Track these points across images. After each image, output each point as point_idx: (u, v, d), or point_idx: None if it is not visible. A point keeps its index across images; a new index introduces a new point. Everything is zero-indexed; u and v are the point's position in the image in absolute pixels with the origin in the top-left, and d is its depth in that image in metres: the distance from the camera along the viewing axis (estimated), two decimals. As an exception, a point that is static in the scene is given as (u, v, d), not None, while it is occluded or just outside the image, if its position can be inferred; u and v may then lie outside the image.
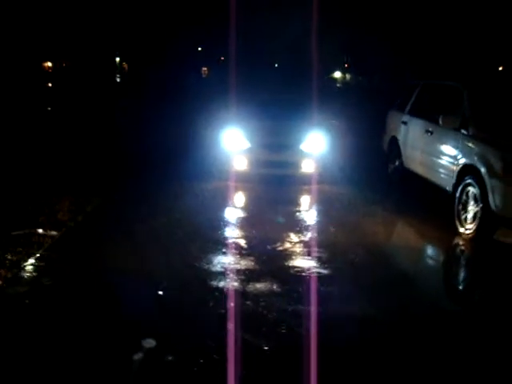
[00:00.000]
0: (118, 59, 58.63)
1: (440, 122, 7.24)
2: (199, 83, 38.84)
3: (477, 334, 4.17)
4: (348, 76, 60.02)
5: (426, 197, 8.18)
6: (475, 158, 6.48)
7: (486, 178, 6.15)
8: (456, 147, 7.00)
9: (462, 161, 6.77)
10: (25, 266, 5.02)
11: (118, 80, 49.62)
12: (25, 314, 4.11)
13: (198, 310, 4.29)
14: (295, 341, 3.81)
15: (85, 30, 36.62)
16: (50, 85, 35.23)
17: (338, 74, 59.71)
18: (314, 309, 4.31)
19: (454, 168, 6.95)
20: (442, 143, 7.48)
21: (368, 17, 33.98)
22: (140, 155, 10.64)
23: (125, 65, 61.51)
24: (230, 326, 3.97)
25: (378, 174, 10.01)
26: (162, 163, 9.92)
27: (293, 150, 9.02)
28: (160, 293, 4.55)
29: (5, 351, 3.57)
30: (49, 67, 45.93)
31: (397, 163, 9.29)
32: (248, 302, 4.39)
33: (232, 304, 4.34)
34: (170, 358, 3.53)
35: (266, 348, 3.70)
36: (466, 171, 6.63)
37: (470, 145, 6.69)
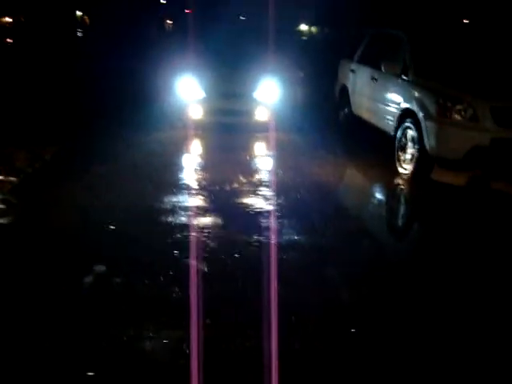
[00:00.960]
0: (79, 13, 57.10)
1: (382, 69, 7.62)
2: (162, 36, 38.26)
3: (407, 259, 4.65)
4: (314, 29, 59.67)
5: (372, 141, 8.56)
6: (413, 103, 6.88)
7: (422, 120, 6.58)
8: (397, 93, 7.41)
9: (402, 105, 7.17)
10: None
11: (80, 34, 48.55)
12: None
13: (146, 240, 4.65)
14: (235, 265, 4.22)
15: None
16: (9, 40, 34.34)
17: (304, 27, 59.36)
18: (254, 238, 4.72)
19: (396, 112, 7.35)
20: (385, 89, 7.86)
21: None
22: (98, 106, 10.76)
23: (86, 19, 59.99)
24: (176, 253, 4.35)
25: (329, 121, 10.39)
26: (119, 114, 10.09)
27: (247, 99, 9.28)
28: (112, 227, 4.88)
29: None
30: (8, 23, 44.66)
31: (346, 110, 9.67)
32: (193, 234, 4.77)
33: (178, 235, 4.72)
34: (117, 280, 3.90)
35: (206, 270, 4.09)
36: (406, 115, 7.05)
37: (409, 90, 7.10)
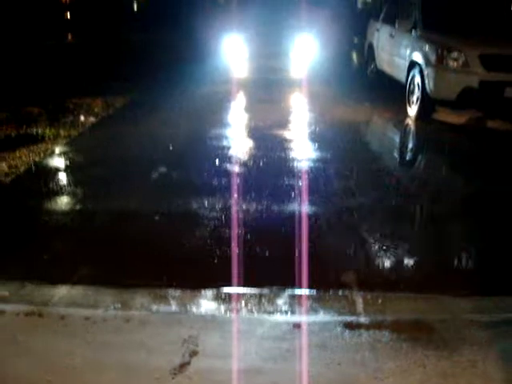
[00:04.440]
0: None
1: (396, 26, 8.91)
2: (215, 6, 39.55)
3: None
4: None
5: (391, 91, 9.85)
6: (419, 54, 8.17)
7: (424, 67, 7.89)
8: (407, 46, 8.70)
9: (410, 56, 8.46)
10: (74, 137, 7.02)
11: (135, 8, 50.52)
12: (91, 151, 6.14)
13: (195, 156, 6.26)
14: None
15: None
16: (67, 16, 36.44)
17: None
18: (279, 154, 6.27)
19: (406, 63, 8.65)
20: (399, 44, 9.15)
21: None
22: (157, 64, 12.45)
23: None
24: (217, 162, 5.96)
25: (359, 76, 11.75)
26: (176, 70, 11.73)
27: (285, 57, 10.73)
28: (171, 147, 6.52)
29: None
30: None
31: (372, 66, 10.98)
32: (232, 153, 6.38)
33: (219, 152, 6.33)
34: (174, 175, 5.55)
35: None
36: (413, 65, 8.34)
37: (416, 43, 8.38)
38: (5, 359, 2.75)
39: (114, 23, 26.66)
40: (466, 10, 8.67)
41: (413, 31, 8.62)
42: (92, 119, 7.96)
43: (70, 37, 23.39)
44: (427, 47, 7.99)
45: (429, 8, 8.74)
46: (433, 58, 7.78)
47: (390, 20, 9.99)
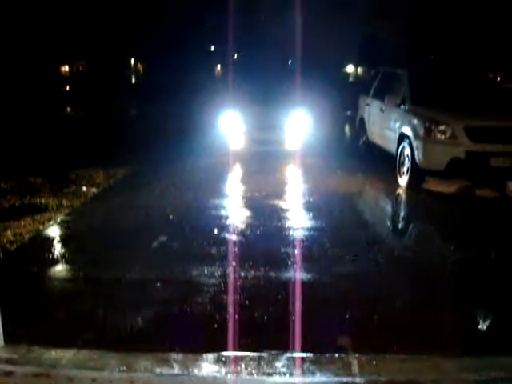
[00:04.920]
0: (132, 61, 61.00)
1: (385, 101, 9.37)
2: (212, 79, 40.84)
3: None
4: (360, 70, 61.78)
5: (382, 162, 10.21)
6: (408, 127, 8.57)
7: (413, 139, 8.27)
8: (397, 120, 9.13)
9: (400, 129, 8.86)
10: (76, 207, 7.25)
11: (134, 81, 52.20)
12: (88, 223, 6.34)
13: (195, 225, 6.47)
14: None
15: (101, 34, 38.89)
16: (67, 88, 37.64)
17: (350, 69, 61.72)
18: (275, 224, 6.50)
19: (396, 136, 9.04)
20: (389, 118, 9.59)
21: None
22: (155, 138, 12.85)
23: (139, 66, 63.79)
24: (216, 231, 6.17)
25: (351, 148, 12.19)
26: (174, 144, 12.12)
27: (280, 130, 11.13)
28: (170, 217, 6.74)
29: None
30: (66, 72, 48.69)
31: (364, 138, 11.41)
32: (230, 221, 6.60)
33: (217, 221, 6.55)
34: (174, 244, 5.74)
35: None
36: (403, 137, 8.73)
37: (406, 117, 8.81)
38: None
39: (113, 95, 27.54)
40: (451, 85, 9.18)
41: (401, 106, 9.07)
42: (94, 190, 8.21)
43: (69, 109, 24.11)
44: (416, 121, 8.39)
45: (416, 84, 9.24)
46: (421, 131, 8.17)
47: (379, 95, 10.48)
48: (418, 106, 8.76)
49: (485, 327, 4.18)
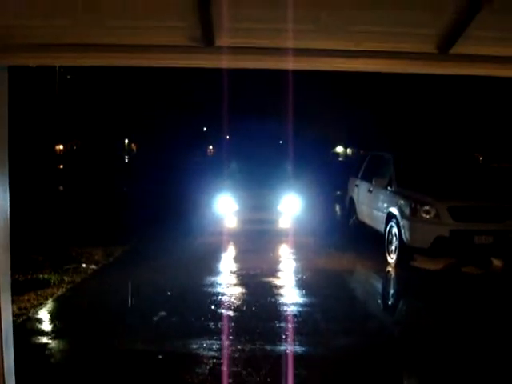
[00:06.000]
0: (126, 141, 62.43)
1: (373, 183, 9.88)
2: (204, 161, 41.72)
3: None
4: (349, 150, 63.56)
5: (371, 240, 10.59)
6: (395, 207, 9.02)
7: (400, 219, 8.70)
8: (384, 201, 9.59)
9: (388, 209, 9.31)
10: (77, 283, 7.51)
11: (126, 160, 53.19)
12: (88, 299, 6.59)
13: (192, 301, 6.74)
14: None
15: (95, 116, 40.08)
16: (61, 166, 38.33)
17: (340, 149, 63.59)
18: (270, 300, 6.78)
19: (384, 215, 9.47)
20: (376, 199, 10.07)
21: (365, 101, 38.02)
22: (151, 218, 13.18)
23: (133, 146, 65.20)
24: (213, 307, 6.44)
25: (341, 227, 12.60)
26: (169, 223, 12.46)
27: (272, 210, 11.55)
28: (169, 293, 7.01)
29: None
30: (60, 150, 49.71)
31: (354, 218, 11.85)
32: (225, 298, 6.87)
33: (214, 298, 6.82)
34: (174, 319, 5.99)
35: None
36: (391, 217, 9.16)
37: (392, 198, 9.28)
38: None
39: (106, 173, 28.11)
40: (435, 168, 9.73)
41: (388, 187, 9.56)
42: (93, 266, 8.49)
43: (62, 187, 24.48)
44: (402, 201, 8.86)
45: (402, 167, 9.78)
46: (407, 211, 8.61)
47: (367, 177, 11.01)
48: (404, 187, 9.25)
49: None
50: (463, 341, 5.59)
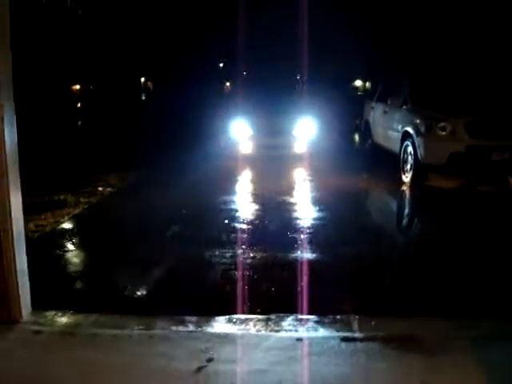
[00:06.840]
0: (142, 79, 61.73)
1: (388, 103, 9.71)
2: (220, 95, 41.20)
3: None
4: (368, 84, 62.33)
5: (387, 161, 10.50)
6: (410, 125, 8.89)
7: (415, 137, 8.58)
8: (399, 120, 9.45)
9: (403, 128, 9.18)
10: (93, 203, 7.63)
11: (144, 98, 52.76)
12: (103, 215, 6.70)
13: (205, 217, 6.81)
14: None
15: (111, 54, 39.58)
16: (78, 105, 38.26)
17: (358, 83, 62.45)
18: (284, 215, 6.83)
19: (399, 135, 9.36)
20: (392, 119, 9.92)
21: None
22: (167, 145, 13.22)
23: (149, 84, 64.53)
24: (226, 221, 6.51)
25: (357, 150, 12.53)
26: (185, 149, 12.47)
27: (287, 135, 11.47)
28: (183, 211, 7.09)
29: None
30: (77, 90, 49.47)
31: (369, 140, 11.73)
32: (238, 214, 6.93)
33: (225, 214, 6.89)
34: (187, 232, 6.08)
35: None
36: (406, 136, 9.04)
37: (408, 116, 9.13)
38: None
39: (123, 110, 28.05)
40: (451, 84, 9.48)
41: (403, 106, 9.39)
42: (109, 189, 8.59)
43: (80, 122, 24.58)
44: (417, 120, 8.71)
45: (417, 85, 9.58)
46: (422, 128, 8.49)
47: (383, 98, 10.82)
48: (419, 105, 9.08)
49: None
50: (475, 257, 5.53)
